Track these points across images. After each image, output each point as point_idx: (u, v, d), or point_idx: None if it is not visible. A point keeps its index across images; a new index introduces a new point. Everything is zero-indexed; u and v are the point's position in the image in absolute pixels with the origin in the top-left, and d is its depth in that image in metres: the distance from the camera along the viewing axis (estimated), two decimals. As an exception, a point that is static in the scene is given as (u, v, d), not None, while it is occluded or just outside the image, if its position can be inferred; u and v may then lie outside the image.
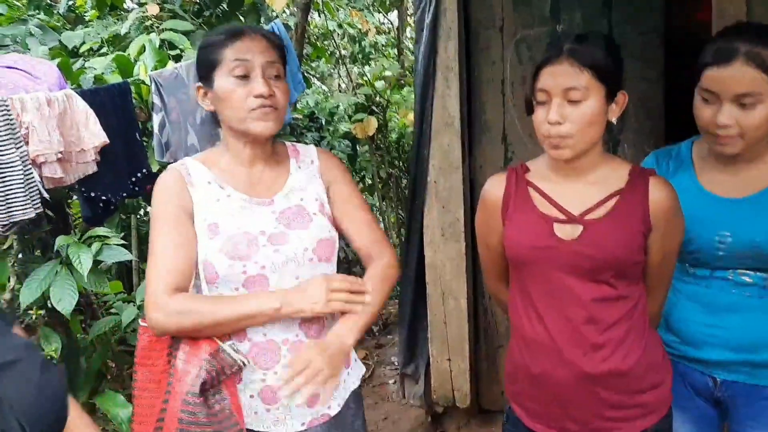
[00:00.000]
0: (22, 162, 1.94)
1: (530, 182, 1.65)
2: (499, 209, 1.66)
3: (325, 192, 1.65)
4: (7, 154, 1.89)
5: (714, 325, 1.71)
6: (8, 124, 1.91)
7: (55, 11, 4.92)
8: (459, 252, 2.95)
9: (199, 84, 1.58)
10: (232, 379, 1.48)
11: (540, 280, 1.59)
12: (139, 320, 1.54)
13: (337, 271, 1.66)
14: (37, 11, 4.92)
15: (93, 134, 2.15)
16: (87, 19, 4.53)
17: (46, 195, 2.08)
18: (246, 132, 1.52)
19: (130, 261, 3.93)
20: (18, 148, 1.92)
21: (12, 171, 1.90)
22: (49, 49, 3.91)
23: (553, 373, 1.59)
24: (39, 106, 2.00)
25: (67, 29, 4.47)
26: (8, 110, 1.94)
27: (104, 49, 3.91)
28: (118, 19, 4.36)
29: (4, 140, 1.90)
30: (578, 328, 1.56)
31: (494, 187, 1.69)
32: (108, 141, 2.24)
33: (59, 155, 2.06)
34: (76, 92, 2.20)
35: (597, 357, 1.56)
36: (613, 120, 1.55)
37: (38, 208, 2.02)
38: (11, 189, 1.92)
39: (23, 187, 1.94)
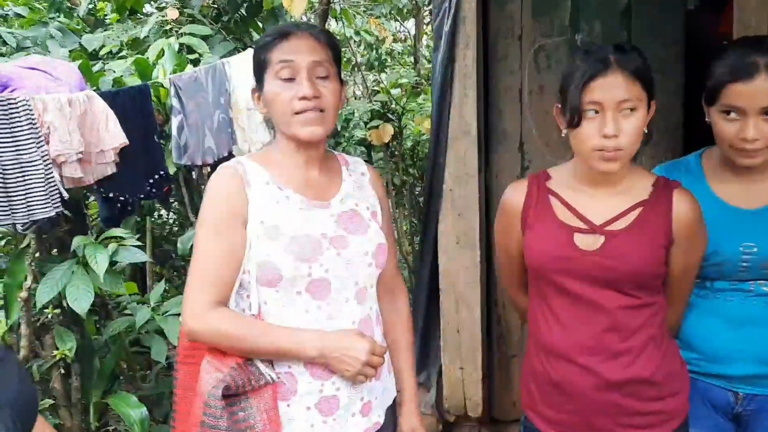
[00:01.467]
0: (43, 161, 1.96)
1: (551, 190, 1.64)
2: (519, 217, 1.66)
3: (378, 203, 1.64)
4: (28, 153, 1.91)
5: (737, 339, 1.69)
6: (30, 124, 1.94)
7: (75, 14, 4.97)
8: (473, 260, 2.94)
9: (254, 87, 1.57)
10: (260, 391, 1.45)
11: (560, 288, 1.59)
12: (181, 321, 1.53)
13: None
14: (57, 14, 4.97)
15: (112, 135, 2.17)
16: (107, 22, 4.57)
17: (65, 194, 2.09)
18: (293, 136, 1.49)
19: (144, 263, 3.96)
20: (39, 148, 1.94)
21: (33, 170, 1.92)
22: (69, 51, 3.95)
23: (573, 380, 1.59)
24: (60, 107, 2.02)
25: (86, 32, 4.51)
26: (30, 110, 1.96)
27: (123, 52, 3.95)
28: (137, 23, 4.40)
29: (26, 140, 1.92)
30: (600, 335, 1.56)
31: (514, 195, 1.69)
32: (127, 142, 2.25)
33: (79, 155, 2.08)
34: (98, 94, 2.21)
35: (618, 364, 1.56)
36: (646, 130, 1.54)
37: (58, 207, 2.04)
38: (32, 188, 1.94)
39: (43, 187, 1.96)
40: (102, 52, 3.87)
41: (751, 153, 1.58)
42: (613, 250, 1.54)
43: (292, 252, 1.44)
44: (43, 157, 1.97)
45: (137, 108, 2.40)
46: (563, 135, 1.58)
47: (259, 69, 1.52)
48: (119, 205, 2.44)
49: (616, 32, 2.92)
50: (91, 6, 4.84)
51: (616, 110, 1.45)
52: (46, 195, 1.96)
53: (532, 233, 1.63)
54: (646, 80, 1.50)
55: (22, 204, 1.94)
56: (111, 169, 2.26)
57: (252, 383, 1.43)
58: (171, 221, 4.85)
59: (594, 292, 1.55)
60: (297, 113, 1.46)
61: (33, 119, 1.97)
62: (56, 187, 2.03)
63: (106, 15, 4.75)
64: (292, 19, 4.40)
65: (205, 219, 1.49)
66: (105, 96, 2.26)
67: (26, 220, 1.97)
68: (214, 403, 1.38)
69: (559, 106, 1.58)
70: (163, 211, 4.62)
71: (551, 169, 1.71)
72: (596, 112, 1.47)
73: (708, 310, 1.74)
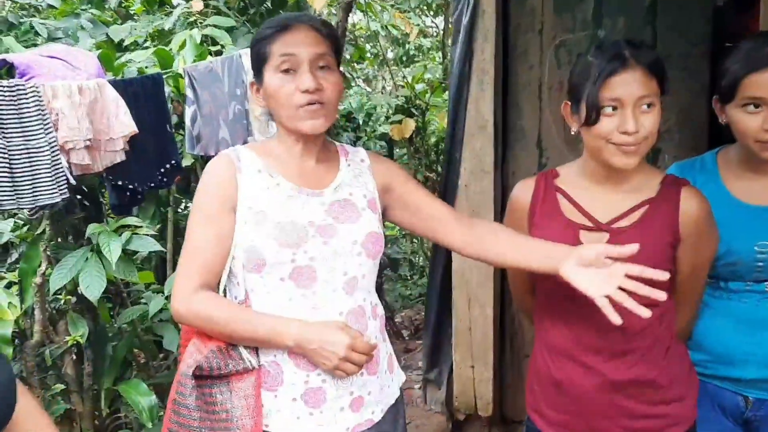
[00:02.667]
0: (50, 148, 1.97)
1: (559, 188, 1.63)
2: (526, 215, 1.65)
3: (376, 189, 1.62)
4: (36, 139, 1.93)
5: (750, 341, 1.64)
6: (39, 109, 1.96)
7: (106, 6, 5.04)
8: (487, 258, 2.90)
9: (252, 80, 1.56)
10: (241, 376, 1.45)
11: (565, 286, 1.55)
12: None
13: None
14: (89, 5, 5.05)
15: (122, 123, 2.18)
16: (132, 13, 4.62)
17: (73, 181, 2.11)
18: (296, 130, 1.49)
19: (165, 252, 4.00)
20: (47, 134, 1.96)
21: (40, 156, 1.94)
22: (96, 42, 4.00)
23: (576, 379, 1.57)
24: (70, 94, 2.03)
25: (117, 24, 4.57)
26: (39, 96, 1.98)
27: (147, 44, 3.98)
28: (165, 15, 4.43)
29: (34, 126, 1.94)
30: (604, 334, 1.53)
31: (522, 192, 1.67)
32: (137, 131, 2.26)
33: (87, 143, 2.09)
34: (109, 82, 2.22)
35: (622, 364, 1.54)
36: None
37: (64, 193, 2.06)
38: (38, 173, 1.95)
39: (50, 172, 1.98)
40: (127, 43, 3.90)
41: None
42: None
43: (275, 237, 1.44)
44: (50, 143, 1.98)
45: (150, 97, 2.40)
46: (573, 133, 1.57)
47: (259, 62, 1.51)
48: (128, 193, 2.45)
49: (641, 28, 2.86)
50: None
51: (635, 106, 1.44)
52: (52, 181, 1.98)
53: (538, 230, 1.61)
54: (661, 75, 1.48)
55: (28, 189, 1.96)
56: (120, 157, 2.27)
57: (230, 367, 1.44)
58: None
59: None
60: (300, 107, 1.45)
61: (42, 105, 1.98)
62: (63, 173, 2.04)
63: (131, 7, 4.80)
64: (316, 13, 4.40)
65: (196, 205, 1.51)
66: (117, 84, 2.27)
67: (32, 206, 1.99)
68: (184, 381, 1.41)
69: (569, 103, 1.55)
70: (189, 204, 4.65)
71: (560, 167, 1.69)
72: (614, 108, 1.45)
73: (721, 311, 1.69)
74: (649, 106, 1.45)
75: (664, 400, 1.56)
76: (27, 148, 1.93)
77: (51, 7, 5.11)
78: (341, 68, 1.57)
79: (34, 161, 1.95)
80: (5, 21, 4.61)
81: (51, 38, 4.22)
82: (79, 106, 2.05)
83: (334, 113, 1.52)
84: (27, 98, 1.96)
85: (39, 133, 1.95)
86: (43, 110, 1.97)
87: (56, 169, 2.01)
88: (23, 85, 1.99)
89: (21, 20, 4.64)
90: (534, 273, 1.64)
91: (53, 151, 1.99)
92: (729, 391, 1.69)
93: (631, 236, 1.51)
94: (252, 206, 1.48)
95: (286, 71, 1.46)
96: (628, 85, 1.43)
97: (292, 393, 1.47)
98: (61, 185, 2.04)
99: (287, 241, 1.44)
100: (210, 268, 1.47)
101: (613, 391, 1.55)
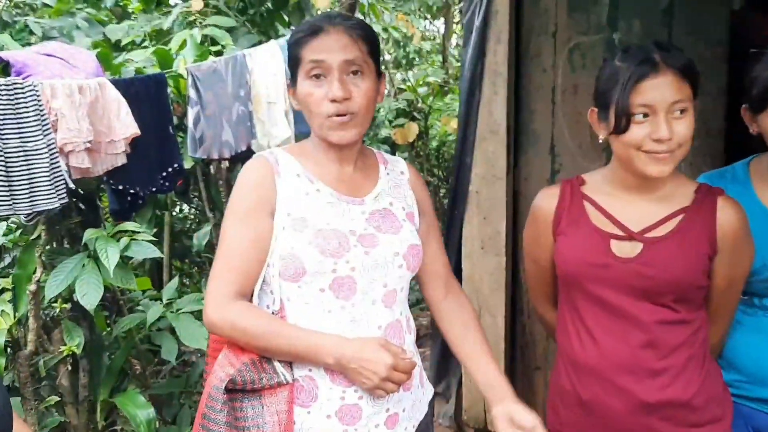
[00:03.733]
0: (49, 150, 1.87)
1: (586, 195, 1.55)
2: (551, 224, 1.57)
3: (416, 204, 1.56)
4: (33, 141, 1.82)
5: None
6: (37, 109, 1.85)
7: (102, 5, 4.95)
8: (499, 266, 2.82)
9: (288, 82, 1.52)
10: (274, 390, 1.38)
11: (593, 299, 1.49)
12: None
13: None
14: (84, 4, 4.96)
15: (124, 125, 2.08)
16: (130, 12, 4.54)
17: (72, 185, 2.00)
18: (325, 139, 1.44)
19: (162, 258, 3.89)
20: (45, 136, 1.85)
21: (38, 159, 1.83)
22: (93, 42, 3.90)
23: (606, 401, 1.49)
24: (70, 93, 1.93)
25: (113, 23, 4.48)
26: (38, 96, 1.87)
27: (145, 43, 3.89)
28: (163, 15, 4.35)
29: (31, 126, 1.83)
30: (636, 352, 1.46)
31: (546, 201, 1.60)
32: (139, 132, 2.16)
33: (87, 144, 1.99)
34: (111, 81, 2.12)
35: (655, 384, 1.46)
36: None
37: (63, 198, 1.95)
38: (36, 177, 1.84)
39: (48, 176, 1.87)
40: (124, 43, 3.81)
41: None
42: (652, 257, 1.45)
43: (317, 245, 1.37)
44: (49, 145, 1.87)
45: (152, 98, 2.30)
46: (600, 141, 1.49)
47: (293, 65, 1.46)
48: (129, 197, 2.35)
49: (657, 31, 2.79)
50: (117, -1, 4.81)
51: (668, 112, 1.37)
52: (51, 185, 1.87)
53: (564, 240, 1.54)
54: (694, 79, 1.41)
55: (25, 194, 1.85)
56: (121, 160, 2.16)
57: (263, 381, 1.36)
58: (192, 216, 4.78)
59: (630, 304, 1.46)
60: (328, 116, 1.40)
61: (40, 105, 1.88)
62: (62, 177, 1.93)
63: (128, 6, 4.72)
64: (319, 11, 4.32)
65: (233, 208, 1.43)
66: (118, 84, 2.17)
67: (29, 211, 1.88)
68: (215, 395, 1.33)
69: (596, 110, 1.48)
70: (185, 206, 4.56)
71: (586, 174, 1.62)
72: (645, 115, 1.38)
73: (755, 329, 1.62)
74: (682, 111, 1.38)
75: (700, 423, 1.48)
76: (24, 151, 1.82)
77: (46, 5, 5.01)
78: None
79: (31, 164, 1.84)
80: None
81: (46, 37, 4.14)
82: (79, 106, 1.94)
83: (366, 122, 1.45)
84: (25, 98, 1.85)
85: (37, 135, 1.83)
86: (41, 110, 1.86)
87: (55, 172, 1.90)
88: (21, 83, 1.88)
89: (15, 19, 4.55)
90: (556, 280, 1.56)
91: (52, 154, 1.88)
92: (763, 413, 1.61)
93: (667, 246, 1.45)
94: (291, 212, 1.41)
95: (317, 77, 1.40)
96: (660, 90, 1.37)
97: (326, 410, 1.40)
98: (60, 190, 1.93)
99: (329, 249, 1.38)
100: (247, 273, 1.40)
101: (646, 414, 1.47)
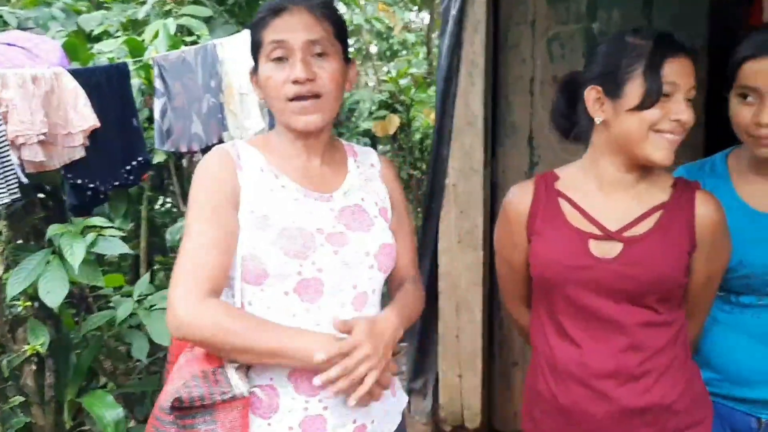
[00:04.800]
0: (-2, 143, 1.79)
1: (560, 192, 1.48)
2: (525, 223, 1.49)
3: (388, 198, 1.48)
4: (-20, 134, 1.74)
5: (763, 360, 1.52)
6: (-16, 100, 1.77)
7: (80, -6, 4.85)
8: (476, 261, 2.77)
9: (251, 69, 1.41)
10: (227, 405, 1.27)
11: (572, 302, 1.43)
12: None
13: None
14: (62, -6, 4.86)
15: (82, 116, 2.00)
16: (100, 1, 4.45)
17: (24, 180, 1.92)
18: (288, 125, 1.35)
19: (138, 254, 3.81)
20: (-6, 128, 1.77)
21: (-14, 152, 1.75)
22: (68, 33, 3.82)
23: (586, 407, 1.42)
24: (22, 83, 1.84)
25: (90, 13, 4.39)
26: (-14, 86, 1.79)
27: (119, 33, 3.80)
28: (140, 4, 4.26)
29: (-22, 118, 1.75)
30: (618, 356, 1.40)
31: (519, 198, 1.51)
32: (98, 124, 2.08)
33: (41, 137, 1.91)
34: (69, 71, 2.04)
35: (638, 388, 1.40)
36: None
37: (15, 193, 1.87)
38: (-16, 172, 1.77)
39: (-3, 170, 1.79)
40: (96, 32, 3.72)
41: (766, 141, 1.44)
42: (633, 257, 1.38)
43: (281, 246, 1.28)
44: (-2, 138, 1.80)
45: (114, 88, 2.22)
46: (598, 122, 1.41)
47: (254, 50, 1.37)
48: (89, 192, 2.26)
49: (636, 21, 2.76)
50: (95, -14, 4.71)
51: (685, 95, 1.33)
52: (1, 181, 1.79)
53: (540, 240, 1.46)
54: (697, 69, 1.37)
55: (-27, 189, 1.77)
56: (79, 154, 2.08)
57: (214, 396, 1.25)
58: (176, 210, 4.70)
59: (611, 307, 1.40)
60: (290, 100, 1.31)
61: (-11, 96, 1.80)
62: (13, 171, 1.85)
63: (105, -5, 4.62)
64: None
65: (195, 203, 1.32)
66: (77, 74, 2.08)
67: (-24, 207, 1.81)
68: (160, 415, 1.23)
69: (598, 88, 1.39)
70: (168, 200, 4.48)
71: (559, 169, 1.54)
72: (666, 95, 1.33)
73: (732, 327, 1.57)
74: (689, 100, 1.34)
75: (682, 427, 1.43)
76: (-30, 144, 1.74)
77: (22, -6, 4.91)
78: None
79: (-22, 158, 1.77)
80: (-28, 10, 4.42)
81: (21, 27, 4.03)
82: (32, 97, 1.86)
83: (332, 107, 1.36)
84: (-29, 88, 1.77)
85: (-15, 127, 1.76)
86: (-10, 101, 1.79)
87: (5, 166, 1.82)
88: (-34, 73, 1.80)
89: (-11, 10, 4.45)
90: (530, 281, 1.51)
91: (1, 147, 1.80)
92: (740, 412, 1.57)
93: (648, 245, 1.39)
94: (254, 209, 1.31)
95: (279, 60, 1.31)
96: (683, 72, 1.33)
97: (288, 421, 1.31)
98: (11, 185, 1.84)
99: (294, 250, 1.29)
100: (217, 271, 1.28)
101: (629, 419, 1.41)
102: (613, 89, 1.38)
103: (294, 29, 1.31)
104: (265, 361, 1.28)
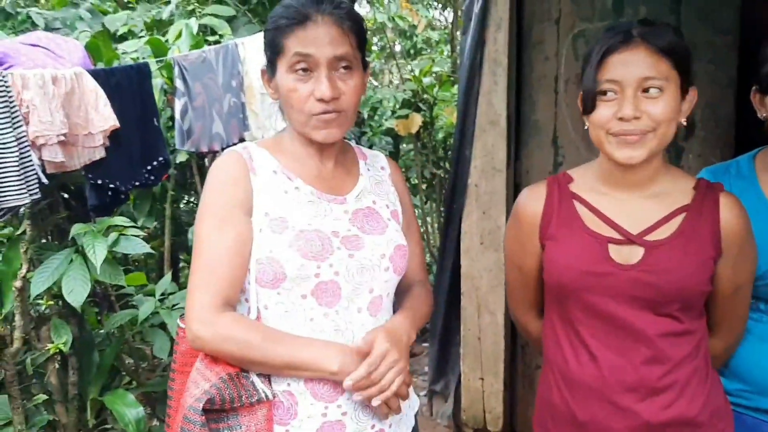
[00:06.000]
0: (18, 143, 1.78)
1: (575, 194, 1.43)
2: (537, 227, 1.44)
3: (398, 200, 1.47)
4: (1, 134, 1.73)
5: None
6: (6, 101, 1.76)
7: (106, -5, 4.90)
8: (498, 262, 2.73)
9: (263, 67, 1.38)
10: (252, 408, 1.27)
11: (590, 311, 1.37)
12: (179, 321, 1.34)
13: None
14: (89, -5, 4.91)
15: (102, 117, 2.00)
16: (125, 1, 4.49)
17: (45, 180, 1.93)
18: (307, 137, 1.34)
19: (162, 252, 3.84)
20: (15, 128, 1.77)
21: (6, 153, 1.74)
22: (93, 33, 3.86)
23: (605, 422, 1.37)
24: (43, 84, 1.85)
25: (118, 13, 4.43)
26: (7, 87, 1.79)
27: (143, 33, 3.83)
28: (165, 4, 4.29)
29: (0, 119, 1.75)
30: (639, 369, 1.34)
31: (531, 201, 1.46)
32: (118, 125, 2.07)
33: (61, 138, 1.91)
34: (89, 72, 2.04)
35: (660, 402, 1.34)
36: (683, 121, 1.33)
37: (35, 194, 1.87)
38: (5, 172, 1.76)
39: (18, 171, 1.78)
40: (120, 32, 3.75)
41: None
42: (656, 263, 1.32)
43: (299, 248, 1.27)
44: (18, 138, 1.79)
45: (135, 88, 2.22)
46: (586, 128, 1.37)
47: (273, 52, 1.33)
48: (110, 192, 2.27)
49: (665, 17, 2.69)
50: (121, -13, 4.76)
51: (636, 89, 1.26)
52: (20, 180, 1.79)
53: (555, 246, 1.40)
54: (680, 57, 1.29)
55: (-8, 190, 1.77)
56: (99, 154, 2.09)
57: (243, 399, 1.25)
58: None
59: (632, 315, 1.34)
60: (313, 115, 1.30)
61: (10, 97, 1.80)
62: (34, 171, 1.85)
63: (129, -4, 4.67)
64: None
65: (207, 209, 1.31)
66: (98, 74, 2.08)
67: (-2, 207, 1.81)
68: (192, 417, 1.20)
69: (582, 93, 1.36)
70: (193, 198, 4.50)
71: (572, 170, 1.49)
72: (614, 93, 1.28)
73: (760, 336, 1.52)
74: (657, 90, 1.26)
75: None
76: (-9, 144, 1.74)
77: (50, -5, 4.98)
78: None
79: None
80: (2, 11, 4.49)
81: (48, 28, 4.10)
82: (53, 98, 1.86)
83: (351, 120, 1.36)
84: (-8, 88, 1.77)
85: (5, 127, 1.75)
86: (11, 102, 1.78)
87: (26, 167, 1.82)
88: (-13, 73, 1.80)
89: (18, 10, 4.52)
90: (542, 286, 1.47)
91: (22, 148, 1.80)
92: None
93: (671, 250, 1.33)
94: (269, 212, 1.30)
95: (303, 71, 1.29)
96: (628, 65, 1.26)
97: (307, 427, 1.30)
98: (31, 185, 1.84)
99: (312, 252, 1.27)
100: (231, 281, 1.27)
101: None
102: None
103: (320, 43, 1.28)
104: (281, 373, 1.28)
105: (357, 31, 1.33)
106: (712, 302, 1.40)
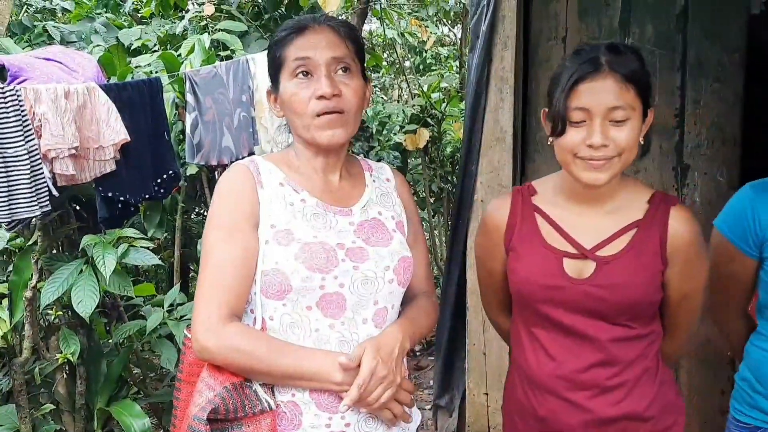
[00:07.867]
0: (30, 156, 1.82)
1: (537, 208, 1.51)
2: (503, 235, 1.53)
3: (404, 211, 1.49)
4: (13, 147, 1.77)
5: None
6: (18, 115, 1.80)
7: (121, 9, 4.97)
8: (504, 277, 2.74)
9: (269, 89, 1.42)
10: (256, 418, 1.28)
11: (547, 318, 1.47)
12: (185, 331, 1.36)
13: None
14: (104, 9, 4.98)
15: (113, 131, 2.03)
16: (140, 16, 4.55)
17: (55, 192, 1.96)
18: (312, 141, 1.35)
19: (172, 263, 3.87)
20: (27, 141, 1.80)
21: (18, 165, 1.78)
22: (107, 47, 3.92)
23: (562, 417, 1.48)
24: (55, 98, 1.89)
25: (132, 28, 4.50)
26: (20, 100, 1.83)
27: (156, 48, 3.88)
28: (179, 19, 4.35)
29: (12, 132, 1.78)
30: (591, 370, 1.44)
31: (497, 211, 1.55)
32: (128, 139, 2.11)
33: (73, 151, 1.94)
34: (102, 86, 2.08)
35: (609, 399, 1.45)
36: (641, 140, 1.39)
37: (46, 206, 1.90)
38: (16, 184, 1.80)
39: (29, 184, 1.82)
40: (134, 46, 3.81)
41: None
42: (605, 278, 1.41)
43: (304, 260, 1.29)
44: (30, 152, 1.83)
45: (146, 103, 2.25)
46: (549, 143, 1.43)
47: (275, 68, 1.38)
48: (120, 205, 2.30)
49: (671, 36, 2.71)
50: (136, 3, 4.83)
51: (605, 117, 1.32)
52: (32, 193, 1.82)
53: (516, 257, 1.50)
54: (643, 86, 1.35)
55: (4, 201, 1.79)
56: (110, 167, 2.12)
57: (246, 409, 1.27)
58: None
59: (584, 324, 1.43)
60: (316, 115, 1.32)
61: (22, 110, 1.83)
62: (45, 184, 1.88)
63: (139, 10, 4.75)
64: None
65: (216, 222, 1.33)
66: (110, 89, 2.12)
67: (8, 219, 1.84)
68: (197, 426, 1.22)
69: (546, 110, 1.43)
70: (203, 210, 4.54)
71: (536, 181, 1.58)
72: (583, 119, 1.33)
73: None
74: (623, 118, 1.32)
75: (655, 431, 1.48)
76: (4, 157, 1.77)
77: (66, 11, 5.06)
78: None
79: (11, 171, 1.79)
80: (19, 24, 4.56)
81: (64, 41, 4.16)
82: (65, 112, 1.90)
83: (355, 122, 1.38)
84: (5, 102, 1.80)
85: (18, 141, 1.79)
86: (23, 115, 1.82)
87: (37, 180, 1.86)
88: (1, 87, 1.84)
89: (35, 24, 4.59)
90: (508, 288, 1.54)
91: (33, 160, 1.83)
92: None
93: (620, 265, 1.41)
94: (275, 224, 1.32)
95: (303, 75, 1.33)
96: (597, 93, 1.31)
97: None
98: (42, 197, 1.88)
99: (317, 264, 1.29)
100: (238, 292, 1.30)
101: (601, 428, 1.46)
102: (548, 114, 1.40)
103: (318, 46, 1.32)
104: (286, 383, 1.30)
105: (354, 39, 1.38)
106: (663, 307, 1.48)
